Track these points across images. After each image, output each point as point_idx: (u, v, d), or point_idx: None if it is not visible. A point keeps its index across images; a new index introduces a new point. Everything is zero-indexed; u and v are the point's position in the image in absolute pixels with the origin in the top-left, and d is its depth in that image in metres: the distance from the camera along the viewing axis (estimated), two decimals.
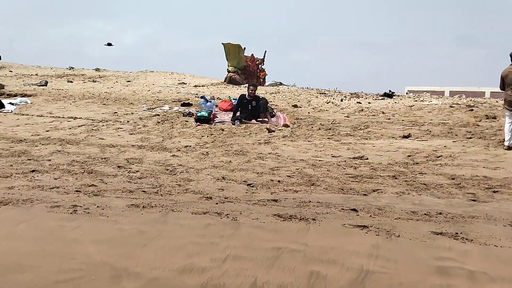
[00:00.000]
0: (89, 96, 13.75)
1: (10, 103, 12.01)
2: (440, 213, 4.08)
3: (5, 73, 21.65)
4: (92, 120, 10.17)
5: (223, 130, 9.43)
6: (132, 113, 11.10)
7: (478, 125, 9.86)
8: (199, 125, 9.88)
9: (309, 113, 11.89)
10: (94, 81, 19.26)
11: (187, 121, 10.24)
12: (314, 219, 3.76)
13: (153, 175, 5.56)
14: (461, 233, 3.50)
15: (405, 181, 5.52)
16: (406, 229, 3.57)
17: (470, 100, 14.20)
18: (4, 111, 11.13)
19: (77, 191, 4.63)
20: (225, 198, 4.53)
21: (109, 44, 23.39)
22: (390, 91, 15.88)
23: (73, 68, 25.61)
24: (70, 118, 10.34)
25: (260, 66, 20.70)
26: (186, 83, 19.65)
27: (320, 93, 16.16)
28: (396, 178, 5.65)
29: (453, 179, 5.64)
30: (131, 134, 8.88)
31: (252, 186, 5.13)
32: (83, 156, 6.57)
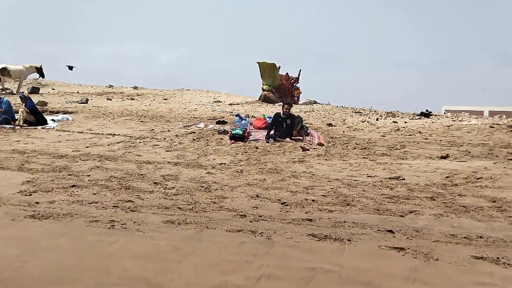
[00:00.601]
0: (127, 114, 14.10)
1: (52, 119, 12.47)
2: (481, 237, 3.96)
3: (48, 91, 22.50)
4: (130, 137, 10.41)
5: (257, 148, 9.47)
6: (168, 131, 11.30)
7: None
8: (233, 143, 9.96)
9: (344, 132, 11.80)
10: (132, 99, 19.75)
11: (222, 139, 10.34)
12: (350, 240, 3.72)
13: (188, 192, 5.62)
14: (502, 258, 3.38)
15: (444, 202, 5.38)
16: (445, 252, 3.48)
17: (511, 120, 13.79)
18: (46, 128, 11.56)
19: (114, 206, 4.73)
20: (259, 216, 4.54)
21: (70, 68, 23.61)
22: (427, 110, 15.62)
23: (112, 86, 26.38)
24: (109, 134, 10.62)
25: (294, 84, 20.77)
26: (221, 101, 19.91)
27: (355, 112, 16.05)
28: (434, 200, 5.52)
29: (494, 201, 5.46)
30: (167, 151, 9.03)
31: (286, 205, 5.12)
32: (120, 172, 6.72)
